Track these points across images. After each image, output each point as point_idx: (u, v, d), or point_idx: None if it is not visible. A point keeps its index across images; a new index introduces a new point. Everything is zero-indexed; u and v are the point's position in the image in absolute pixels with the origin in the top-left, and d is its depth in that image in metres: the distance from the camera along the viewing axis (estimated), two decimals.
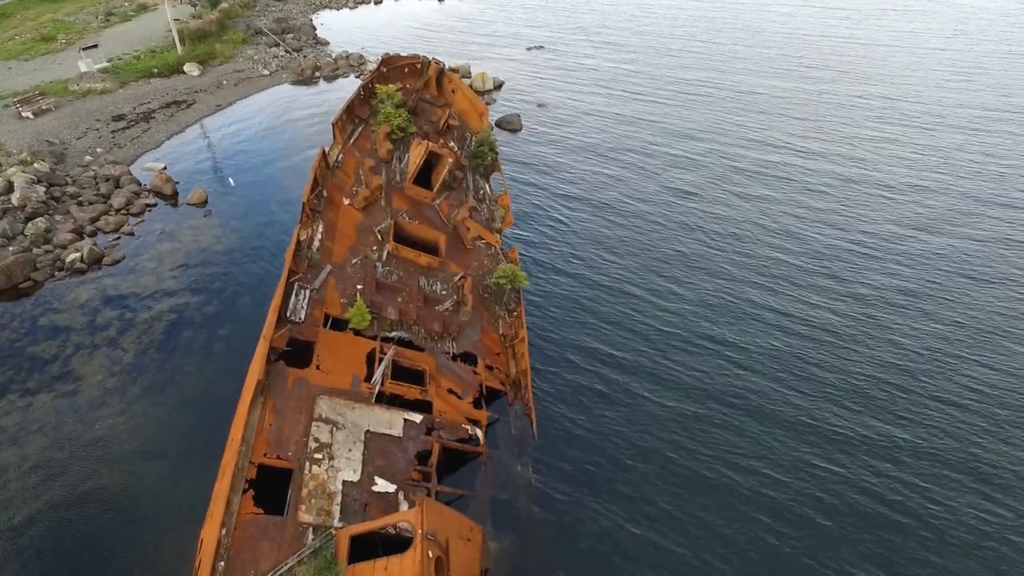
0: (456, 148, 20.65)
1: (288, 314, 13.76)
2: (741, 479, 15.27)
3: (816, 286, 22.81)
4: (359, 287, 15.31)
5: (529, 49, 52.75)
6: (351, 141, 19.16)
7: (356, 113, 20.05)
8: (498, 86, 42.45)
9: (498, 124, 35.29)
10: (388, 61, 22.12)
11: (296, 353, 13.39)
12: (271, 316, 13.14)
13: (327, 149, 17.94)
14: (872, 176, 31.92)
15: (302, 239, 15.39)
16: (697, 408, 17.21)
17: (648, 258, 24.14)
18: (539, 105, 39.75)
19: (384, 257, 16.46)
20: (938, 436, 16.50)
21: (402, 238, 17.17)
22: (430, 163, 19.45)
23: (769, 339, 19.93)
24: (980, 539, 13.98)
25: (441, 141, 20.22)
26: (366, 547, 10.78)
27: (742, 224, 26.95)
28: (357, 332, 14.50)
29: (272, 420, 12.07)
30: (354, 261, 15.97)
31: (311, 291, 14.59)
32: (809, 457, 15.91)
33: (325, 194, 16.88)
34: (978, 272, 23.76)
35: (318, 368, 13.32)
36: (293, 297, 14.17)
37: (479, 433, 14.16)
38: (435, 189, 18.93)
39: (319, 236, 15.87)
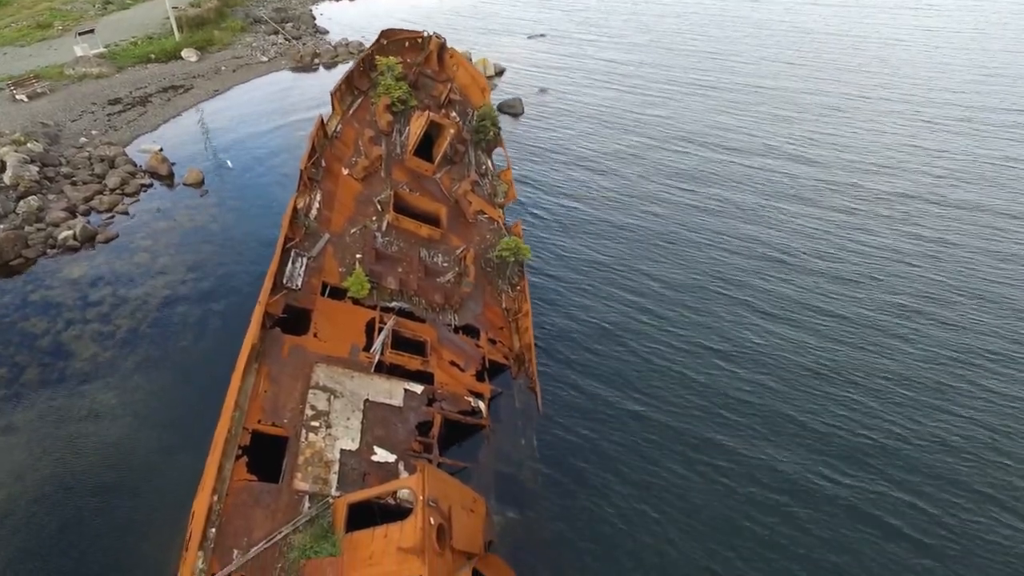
0: (458, 119, 20.14)
1: (284, 281, 13.28)
2: (753, 455, 14.81)
3: (830, 267, 22.36)
4: (358, 256, 14.83)
5: (530, 38, 52.24)
6: (350, 112, 18.67)
7: (355, 85, 19.54)
8: (499, 72, 41.94)
9: (499, 108, 34.73)
10: (388, 34, 21.62)
11: (293, 320, 12.92)
12: (267, 282, 12.66)
13: (325, 119, 17.45)
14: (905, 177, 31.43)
15: (299, 207, 14.91)
16: (708, 383, 16.74)
17: (653, 237, 23.71)
18: (541, 90, 39.29)
19: (384, 228, 15.97)
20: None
21: (402, 209, 16.67)
22: (431, 136, 18.94)
23: (786, 306, 19.49)
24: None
25: (443, 112, 19.71)
26: (365, 518, 10.29)
27: (740, 201, 26.59)
28: (356, 301, 14.01)
29: (267, 387, 11.60)
30: (353, 231, 15.48)
31: (308, 259, 14.10)
32: (843, 431, 15.45)
33: (323, 164, 16.40)
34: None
35: (315, 336, 12.84)
36: (290, 264, 13.69)
37: (482, 406, 13.68)
38: (436, 162, 18.42)
39: (317, 205, 15.39)
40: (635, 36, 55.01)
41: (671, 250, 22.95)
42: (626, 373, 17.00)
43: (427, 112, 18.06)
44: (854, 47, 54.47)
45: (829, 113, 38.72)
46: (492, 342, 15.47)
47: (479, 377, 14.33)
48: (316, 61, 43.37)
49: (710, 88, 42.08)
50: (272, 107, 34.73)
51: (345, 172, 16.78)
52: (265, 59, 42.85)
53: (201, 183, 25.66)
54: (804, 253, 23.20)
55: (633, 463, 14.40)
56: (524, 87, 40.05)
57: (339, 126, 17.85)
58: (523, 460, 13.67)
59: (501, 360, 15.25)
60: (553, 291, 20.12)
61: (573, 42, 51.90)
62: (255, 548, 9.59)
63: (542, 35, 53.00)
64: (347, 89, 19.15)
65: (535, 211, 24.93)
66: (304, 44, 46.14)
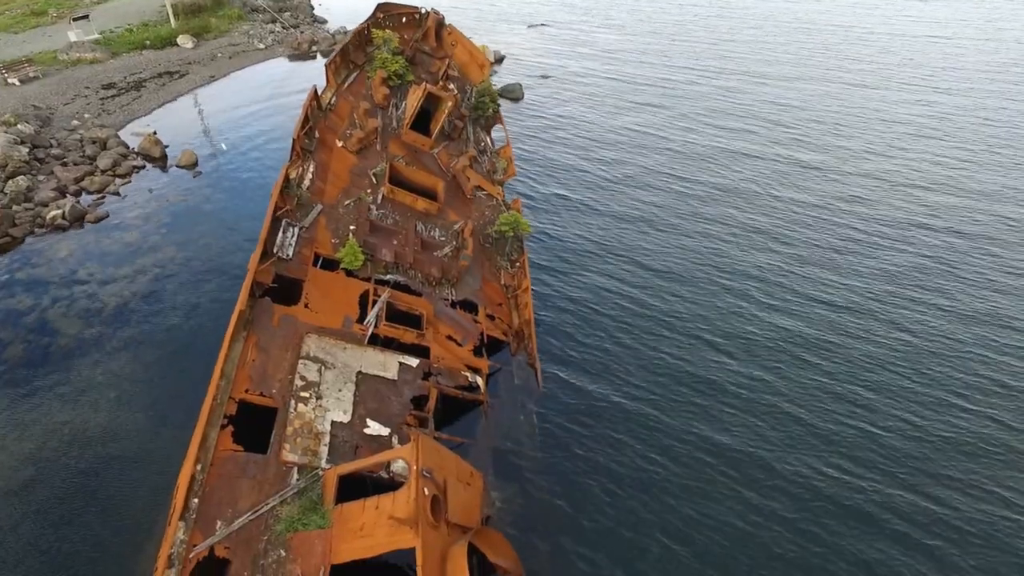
0: (456, 92, 19.62)
1: (275, 250, 12.78)
2: (754, 428, 14.32)
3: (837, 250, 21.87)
4: (352, 228, 14.32)
5: (531, 27, 51.76)
6: (345, 86, 18.16)
7: (351, 58, 19.03)
8: (499, 59, 41.40)
9: (499, 94, 34.22)
10: (384, 7, 21.10)
11: (283, 290, 12.42)
12: (256, 250, 12.16)
13: (319, 90, 16.95)
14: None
15: (291, 177, 14.41)
16: (710, 360, 16.26)
17: (653, 217, 23.34)
18: (541, 77, 38.79)
19: (379, 200, 15.47)
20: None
21: (399, 182, 16.16)
22: (428, 111, 18.43)
23: (794, 280, 19.01)
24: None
25: (440, 83, 19.18)
26: (357, 493, 9.80)
27: (736, 183, 26.25)
28: (349, 273, 13.52)
29: (255, 356, 11.11)
30: (347, 202, 14.97)
31: (300, 229, 13.60)
32: (849, 417, 14.95)
33: (317, 135, 15.90)
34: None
35: (307, 307, 12.35)
36: (280, 233, 13.18)
37: (480, 381, 13.18)
38: (433, 136, 17.91)
39: (310, 175, 14.88)
40: (636, 26, 54.51)
41: (671, 229, 22.70)
42: (628, 350, 16.52)
43: (424, 84, 17.53)
44: (859, 38, 53.97)
45: (829, 98, 38.25)
46: (491, 318, 14.97)
47: (477, 353, 13.84)
48: (314, 48, 42.83)
49: (711, 75, 41.65)
50: (268, 93, 34.20)
51: (339, 144, 16.28)
52: (262, 47, 42.34)
53: (195, 164, 25.14)
54: (802, 231, 22.75)
55: (635, 441, 13.90)
56: (524, 74, 39.55)
57: (334, 98, 17.35)
58: (522, 437, 13.19)
59: (500, 336, 14.75)
60: (553, 269, 19.64)
61: (573, 31, 51.42)
62: (240, 519, 9.12)
63: (543, 24, 52.48)
64: (342, 62, 18.64)
65: (535, 191, 24.46)
66: (301, 32, 45.62)
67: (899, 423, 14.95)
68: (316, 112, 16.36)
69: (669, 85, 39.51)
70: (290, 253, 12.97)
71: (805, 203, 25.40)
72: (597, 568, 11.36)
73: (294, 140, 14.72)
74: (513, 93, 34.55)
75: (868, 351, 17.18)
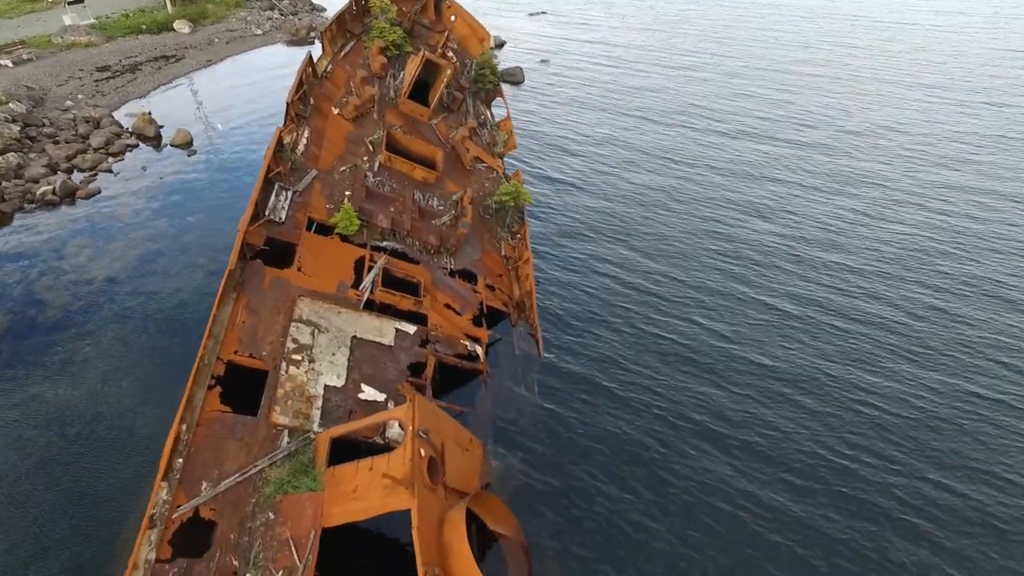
0: (456, 60, 19.14)
1: (267, 213, 12.32)
2: (758, 401, 13.87)
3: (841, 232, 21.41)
4: (347, 193, 13.86)
5: (531, 15, 51.25)
6: (342, 54, 17.69)
7: (348, 27, 18.56)
8: (499, 45, 40.96)
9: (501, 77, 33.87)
10: None
11: (276, 254, 11.97)
12: (247, 211, 11.70)
13: (315, 58, 16.48)
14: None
15: (285, 142, 13.96)
16: (712, 333, 15.81)
17: (653, 194, 23.00)
18: (541, 61, 38.36)
19: (376, 168, 15.00)
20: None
21: (396, 150, 15.69)
22: (427, 83, 17.96)
23: (789, 263, 18.55)
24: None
25: (439, 51, 18.67)
26: (351, 458, 9.34)
27: (728, 163, 25.81)
28: (344, 239, 13.06)
29: (245, 318, 10.66)
30: (342, 168, 14.51)
31: (294, 192, 13.14)
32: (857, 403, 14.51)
33: (312, 102, 15.44)
34: None
35: (299, 270, 11.90)
36: (273, 196, 12.73)
37: (479, 350, 12.73)
38: (432, 106, 17.44)
39: (304, 141, 14.42)
40: (637, 16, 54.00)
41: (672, 203, 22.60)
42: (630, 321, 16.08)
43: (423, 51, 17.05)
44: (863, 28, 53.45)
45: (832, 87, 37.77)
46: (491, 288, 14.52)
47: (476, 322, 13.39)
48: (312, 35, 42.30)
49: (712, 62, 41.19)
50: (265, 77, 33.74)
51: (335, 112, 15.81)
52: (260, 32, 41.85)
53: (190, 143, 24.68)
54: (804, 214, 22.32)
55: (639, 412, 13.46)
56: (524, 59, 39.08)
57: (330, 67, 16.88)
58: (523, 406, 12.74)
59: (500, 307, 14.30)
60: (554, 241, 19.21)
61: (573, 20, 50.92)
62: (227, 481, 8.68)
63: (543, 12, 51.98)
64: (338, 30, 18.17)
65: (536, 169, 24.06)
66: (300, 19, 45.14)
67: (908, 411, 14.49)
68: (311, 79, 15.91)
69: (670, 68, 39.05)
70: (283, 217, 12.51)
71: (808, 176, 25.00)
72: (599, 538, 10.92)
73: (288, 104, 14.28)
74: (514, 77, 34.10)
75: (867, 324, 16.75)
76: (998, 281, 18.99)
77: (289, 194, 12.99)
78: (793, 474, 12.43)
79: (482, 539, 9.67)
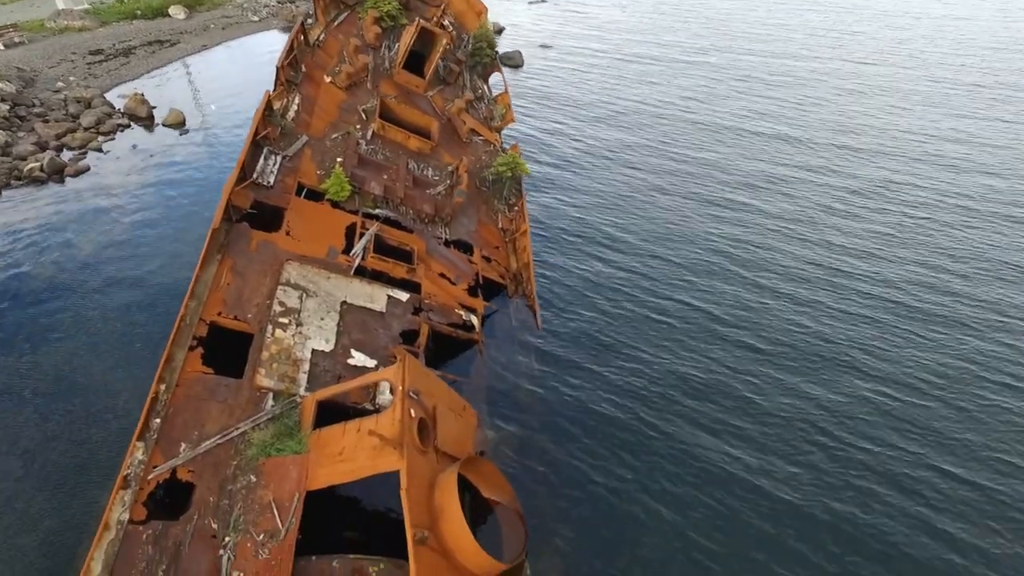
0: (452, 30, 18.67)
1: (255, 176, 11.89)
2: (759, 378, 13.46)
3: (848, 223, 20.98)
4: (339, 160, 13.42)
5: (531, 3, 50.79)
6: (335, 24, 17.24)
7: None
8: (499, 31, 40.48)
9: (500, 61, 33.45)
10: None
11: (263, 218, 11.54)
12: (233, 172, 11.26)
13: (307, 26, 16.03)
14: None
15: (275, 107, 13.52)
16: (711, 306, 15.42)
17: (654, 172, 22.53)
18: (541, 47, 37.92)
19: (369, 136, 14.56)
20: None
21: (390, 119, 15.24)
22: (422, 55, 17.49)
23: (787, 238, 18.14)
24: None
25: (435, 19, 18.20)
26: (338, 420, 8.91)
27: (720, 148, 25.41)
28: (336, 205, 12.63)
29: (230, 280, 10.24)
30: (334, 136, 14.08)
31: (283, 158, 12.71)
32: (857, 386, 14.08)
33: (304, 69, 15.00)
34: None
35: (288, 234, 11.47)
36: (262, 160, 12.29)
37: (474, 320, 12.29)
38: (427, 78, 16.98)
39: (295, 107, 13.98)
40: (638, 5, 53.48)
41: (671, 181, 22.29)
42: (628, 294, 15.67)
43: (418, 19, 16.57)
44: (868, 20, 52.96)
45: (838, 74, 37.32)
46: (487, 260, 14.09)
47: (472, 293, 12.96)
48: (309, 21, 41.77)
49: (713, 52, 40.77)
50: (260, 61, 33.22)
51: (328, 80, 15.37)
52: (256, 19, 41.40)
53: (182, 123, 24.26)
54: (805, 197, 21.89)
55: (636, 386, 13.05)
56: (524, 44, 38.62)
57: (322, 35, 16.43)
58: (520, 377, 12.34)
59: (497, 279, 13.87)
60: (550, 220, 18.77)
61: (573, 9, 50.40)
62: (206, 443, 8.26)
63: (543, 1, 51.51)
64: (331, 0, 17.72)
65: (534, 143, 23.73)
66: (297, 6, 44.64)
67: (906, 393, 14.03)
68: (303, 46, 15.46)
69: (671, 54, 38.63)
70: (271, 181, 12.08)
71: (807, 156, 24.57)
72: (594, 509, 10.52)
73: (278, 69, 13.86)
74: (513, 60, 33.66)
75: (869, 305, 16.32)
76: (1006, 261, 18.57)
77: (278, 159, 12.56)
78: (788, 446, 12.02)
79: (476, 509, 9.26)
